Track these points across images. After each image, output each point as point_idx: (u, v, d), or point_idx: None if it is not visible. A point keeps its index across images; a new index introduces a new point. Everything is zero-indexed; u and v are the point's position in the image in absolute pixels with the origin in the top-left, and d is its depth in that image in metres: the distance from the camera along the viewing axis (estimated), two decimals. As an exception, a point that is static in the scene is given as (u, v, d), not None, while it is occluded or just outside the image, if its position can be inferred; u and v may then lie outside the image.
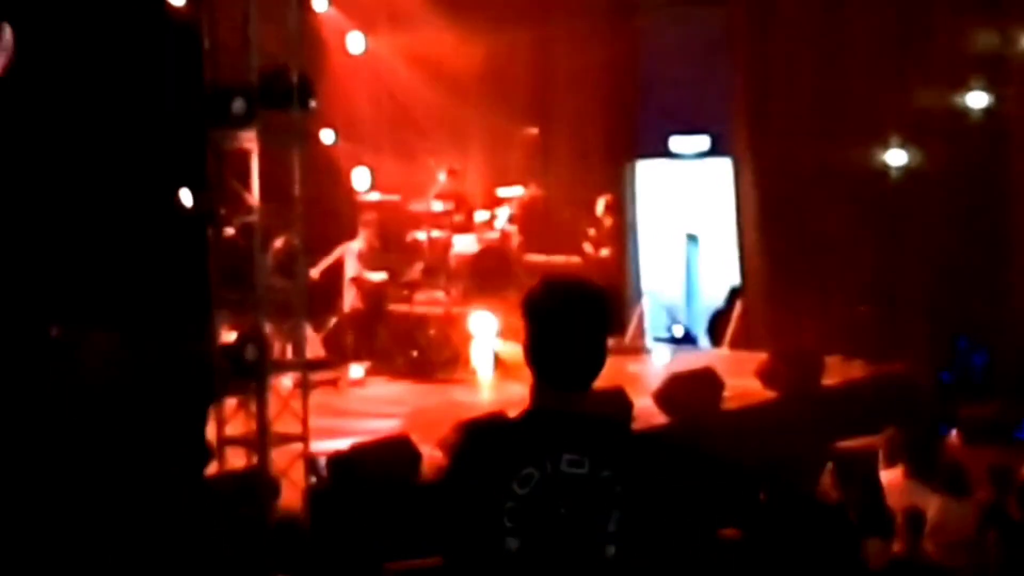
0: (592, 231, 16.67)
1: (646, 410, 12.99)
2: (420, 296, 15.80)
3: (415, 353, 15.44)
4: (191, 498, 9.97)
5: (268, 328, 10.92)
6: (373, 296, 15.35)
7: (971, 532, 9.54)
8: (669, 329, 18.10)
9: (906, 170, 15.57)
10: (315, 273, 14.41)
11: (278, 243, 13.26)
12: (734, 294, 17.30)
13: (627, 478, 3.74)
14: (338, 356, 15.36)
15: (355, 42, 16.99)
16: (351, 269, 15.26)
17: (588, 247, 16.75)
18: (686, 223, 18.64)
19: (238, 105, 10.22)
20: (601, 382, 3.87)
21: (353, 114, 17.01)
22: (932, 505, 9.75)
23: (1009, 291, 15.12)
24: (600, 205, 16.82)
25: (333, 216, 16.18)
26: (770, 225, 16.49)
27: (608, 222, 16.83)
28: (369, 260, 15.27)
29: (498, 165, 17.18)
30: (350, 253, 15.32)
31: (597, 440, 3.78)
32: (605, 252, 16.71)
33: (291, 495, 10.53)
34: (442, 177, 16.06)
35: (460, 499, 3.79)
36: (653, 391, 13.26)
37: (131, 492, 9.52)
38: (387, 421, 13.15)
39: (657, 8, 18.03)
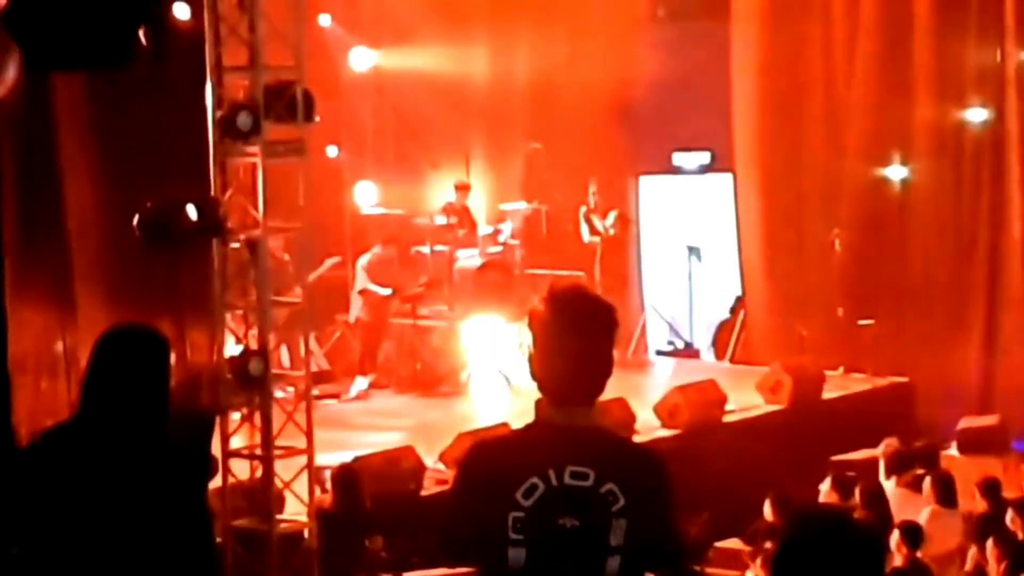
0: (598, 239, 16.71)
1: (648, 423, 13.05)
2: (424, 309, 15.85)
3: (418, 366, 15.50)
4: (195, 511, 9.99)
5: (272, 341, 10.97)
6: (377, 309, 15.40)
7: (959, 542, 9.60)
8: (671, 342, 18.15)
9: (906, 184, 15.64)
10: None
11: (282, 256, 13.35)
12: (738, 303, 17.34)
13: (630, 491, 3.75)
14: (342, 369, 15.42)
15: (359, 57, 17.06)
16: (360, 281, 15.31)
17: (586, 235, 16.70)
18: (688, 237, 18.71)
19: (243, 119, 10.25)
20: (603, 394, 3.88)
21: (357, 129, 17.07)
22: (923, 516, 9.81)
23: (1008, 302, 15.18)
24: (611, 217, 16.86)
25: (337, 230, 16.24)
26: (770, 239, 16.54)
27: (613, 232, 16.86)
28: (377, 274, 15.32)
29: (501, 180, 17.23)
30: (360, 266, 15.38)
31: (601, 453, 3.79)
32: (596, 239, 16.67)
33: (296, 508, 10.57)
34: (451, 192, 16.14)
35: (466, 509, 3.83)
36: (655, 404, 13.32)
37: (134, 505, 9.55)
38: (391, 434, 13.21)
39: (659, 25, 18.12)
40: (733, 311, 17.42)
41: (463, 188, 16.22)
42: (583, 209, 16.72)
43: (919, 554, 9.39)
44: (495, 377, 15.14)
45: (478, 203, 17.01)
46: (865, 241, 15.59)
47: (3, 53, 9.21)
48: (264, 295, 10.62)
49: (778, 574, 3.21)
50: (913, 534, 9.41)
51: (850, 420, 13.88)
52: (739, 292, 17.35)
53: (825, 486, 10.66)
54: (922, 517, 9.85)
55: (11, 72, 9.20)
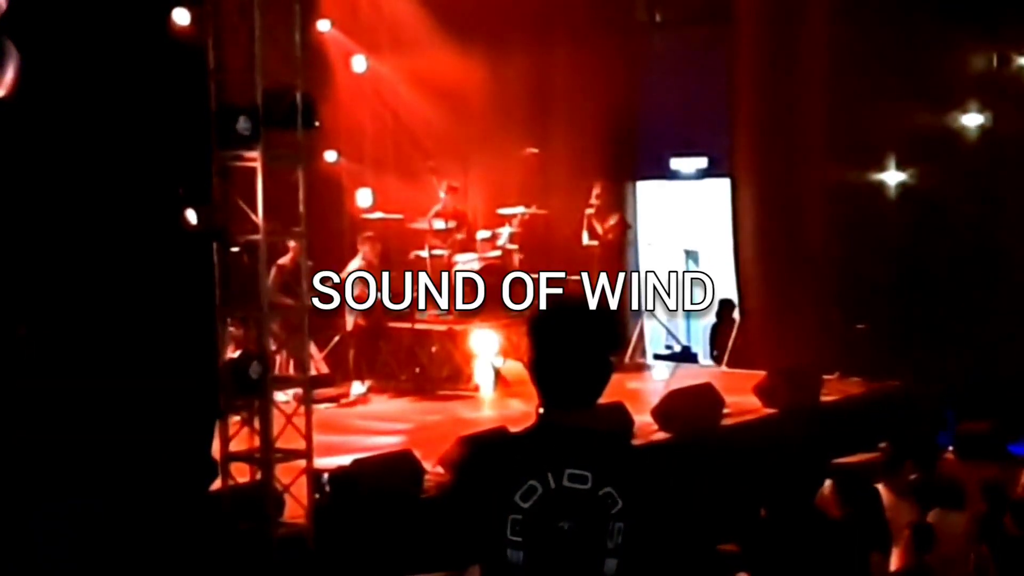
0: (596, 243, 16.74)
1: (646, 426, 13.08)
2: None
3: (417, 370, 15.53)
4: (196, 514, 10.03)
5: (272, 345, 11.01)
6: (375, 314, 15.42)
7: (964, 545, 9.61)
8: (668, 346, 18.18)
9: (903, 189, 15.68)
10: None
11: (282, 261, 13.40)
12: (724, 307, 17.36)
13: (629, 494, 3.78)
14: (341, 373, 15.44)
15: (358, 63, 17.09)
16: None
17: (586, 238, 16.76)
18: (685, 241, 18.75)
19: (243, 124, 10.29)
20: (601, 398, 3.91)
21: (356, 134, 17.11)
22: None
23: (1004, 307, 15.21)
24: (611, 221, 16.89)
25: (336, 235, 16.27)
26: (767, 244, 16.56)
27: (611, 236, 16.90)
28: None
29: (499, 184, 17.25)
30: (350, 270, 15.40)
31: (600, 456, 3.81)
32: (595, 243, 16.73)
33: (295, 511, 10.60)
34: (442, 195, 16.17)
35: (464, 512, 3.86)
36: (653, 407, 13.34)
37: (136, 507, 9.59)
38: (390, 437, 13.23)
39: (656, 29, 18.17)
40: (720, 315, 17.45)
41: (453, 191, 16.26)
42: (588, 212, 16.76)
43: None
44: (493, 380, 15.18)
45: (476, 208, 17.04)
46: (861, 245, 15.62)
47: (3, 53, 9.24)
48: (264, 299, 10.67)
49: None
50: (925, 535, 9.41)
51: (846, 424, 13.89)
52: (724, 296, 17.36)
53: (826, 489, 10.65)
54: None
55: (11, 72, 9.22)
